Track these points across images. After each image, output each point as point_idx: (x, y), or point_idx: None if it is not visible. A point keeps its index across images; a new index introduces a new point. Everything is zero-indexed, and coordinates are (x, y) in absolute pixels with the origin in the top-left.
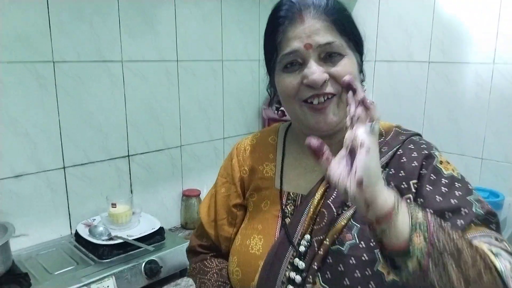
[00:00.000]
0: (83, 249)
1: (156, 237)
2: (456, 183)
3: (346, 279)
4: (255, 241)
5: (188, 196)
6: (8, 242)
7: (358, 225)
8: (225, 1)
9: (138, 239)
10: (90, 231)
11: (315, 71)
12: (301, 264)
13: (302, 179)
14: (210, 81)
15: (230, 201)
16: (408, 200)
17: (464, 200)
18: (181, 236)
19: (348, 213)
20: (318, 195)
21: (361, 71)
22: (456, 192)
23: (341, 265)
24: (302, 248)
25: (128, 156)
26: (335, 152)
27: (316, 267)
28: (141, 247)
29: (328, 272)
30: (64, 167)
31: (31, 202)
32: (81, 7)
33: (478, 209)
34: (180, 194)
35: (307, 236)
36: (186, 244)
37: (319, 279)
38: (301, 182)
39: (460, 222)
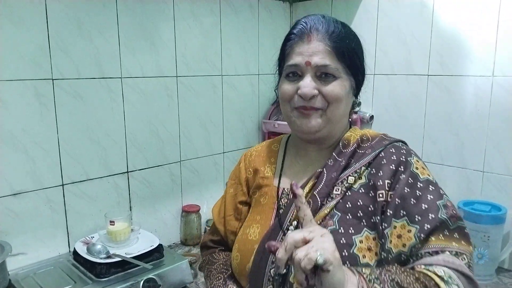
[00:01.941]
0: (81, 268)
1: (155, 255)
2: (430, 186)
3: None
4: (253, 229)
5: (188, 212)
6: (5, 262)
7: (339, 214)
8: (224, 16)
9: (136, 257)
10: (88, 249)
11: (307, 85)
12: None
13: (297, 176)
14: (210, 96)
15: (236, 198)
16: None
17: (433, 205)
18: (181, 252)
19: (331, 203)
20: (307, 188)
21: (356, 95)
22: (428, 196)
23: None
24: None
25: (127, 172)
26: (324, 154)
27: None
28: (139, 265)
29: None
30: (62, 184)
31: (30, 220)
32: (80, 24)
33: (442, 214)
34: (179, 210)
35: (295, 222)
36: (185, 262)
37: None
38: (295, 179)
39: (426, 226)
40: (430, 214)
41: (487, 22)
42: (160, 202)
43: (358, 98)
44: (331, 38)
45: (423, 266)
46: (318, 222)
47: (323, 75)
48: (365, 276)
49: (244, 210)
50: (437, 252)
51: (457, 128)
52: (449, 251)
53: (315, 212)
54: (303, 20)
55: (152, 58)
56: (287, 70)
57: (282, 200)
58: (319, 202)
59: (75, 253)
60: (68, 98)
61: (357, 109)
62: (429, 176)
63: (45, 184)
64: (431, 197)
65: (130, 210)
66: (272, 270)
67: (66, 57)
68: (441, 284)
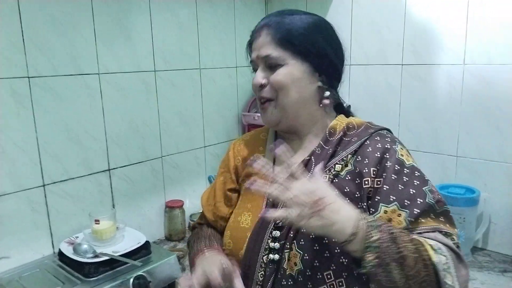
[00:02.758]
0: (68, 268)
1: (142, 252)
2: (416, 172)
3: (316, 245)
4: (245, 217)
5: (172, 207)
6: None
7: None
8: (200, 9)
9: (124, 255)
10: (74, 249)
11: (256, 76)
12: (277, 234)
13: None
14: (189, 90)
15: (226, 186)
16: (368, 220)
17: (420, 191)
18: (166, 248)
19: None
20: None
21: (326, 79)
22: (415, 181)
23: (312, 234)
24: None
25: (109, 170)
26: (309, 142)
27: (292, 235)
28: (128, 263)
29: (302, 240)
30: (44, 185)
31: (11, 223)
32: (54, 19)
33: (430, 199)
34: (163, 206)
35: None
36: (173, 257)
37: (294, 246)
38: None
39: (415, 210)
40: (418, 199)
41: (457, 13)
42: (143, 198)
43: (336, 84)
44: (275, 28)
45: (415, 235)
46: None
47: (271, 65)
48: (366, 221)
49: (234, 197)
50: (427, 232)
51: (431, 115)
52: (439, 231)
53: None
54: (261, 18)
55: (129, 53)
56: (251, 66)
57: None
58: None
59: (61, 254)
60: (46, 96)
61: (327, 93)
62: (414, 162)
63: (26, 185)
64: (417, 182)
65: (114, 207)
66: (265, 257)
67: (42, 54)
68: (431, 251)
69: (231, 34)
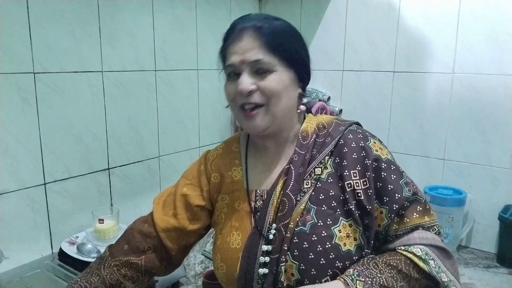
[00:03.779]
0: (71, 269)
1: None
2: (392, 166)
3: (311, 254)
4: (234, 237)
5: None
6: None
7: (315, 207)
8: (200, 10)
9: None
10: (77, 248)
11: (243, 82)
12: (269, 248)
13: (263, 176)
14: (187, 90)
15: (192, 200)
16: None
17: (397, 185)
18: None
19: (305, 197)
20: (279, 187)
21: (303, 87)
22: (392, 175)
23: (305, 243)
24: (270, 236)
25: (108, 169)
26: (284, 148)
27: (286, 248)
28: None
29: (295, 250)
30: (44, 183)
31: (11, 223)
32: (62, 15)
33: (406, 192)
34: None
35: (274, 225)
36: None
37: (289, 257)
38: (263, 179)
39: (394, 206)
40: (396, 194)
41: (448, 24)
42: (139, 198)
43: (306, 90)
44: (261, 33)
45: (402, 248)
46: (297, 219)
47: (259, 70)
48: (349, 279)
49: (202, 215)
50: (412, 229)
51: (420, 121)
52: (421, 227)
53: (291, 210)
54: (234, 21)
55: (132, 51)
56: (227, 71)
57: (256, 202)
58: (294, 199)
59: (61, 254)
60: (50, 92)
61: (304, 100)
62: (388, 155)
63: (27, 184)
64: (394, 176)
65: (112, 206)
66: (260, 273)
67: (48, 50)
68: (420, 263)
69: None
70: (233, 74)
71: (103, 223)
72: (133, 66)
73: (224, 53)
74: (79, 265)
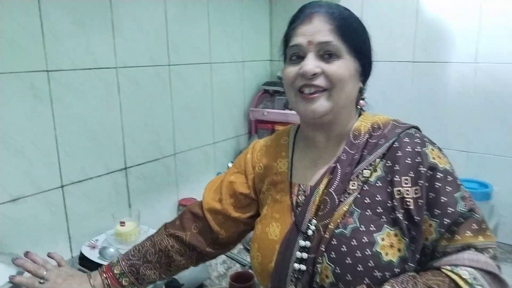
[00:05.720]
0: None
1: None
2: (448, 176)
3: (348, 259)
4: (273, 228)
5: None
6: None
7: (359, 210)
8: (212, 3)
9: None
10: (100, 253)
11: (309, 63)
12: (308, 244)
13: (309, 170)
14: (200, 85)
15: (237, 188)
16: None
17: (452, 198)
18: None
19: (349, 199)
20: (322, 185)
21: (364, 81)
22: (447, 187)
23: (344, 246)
24: (310, 232)
25: (125, 168)
26: (333, 145)
27: (323, 249)
28: None
29: (332, 252)
30: (62, 186)
31: (30, 228)
32: (74, 12)
33: (461, 208)
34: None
35: (314, 221)
36: None
37: (325, 259)
38: (308, 173)
39: (445, 220)
40: (449, 208)
41: (470, 11)
42: (156, 197)
43: (366, 85)
44: (333, 18)
45: (448, 267)
46: (338, 221)
47: (326, 54)
48: None
49: (246, 202)
50: (463, 248)
51: (441, 113)
52: (474, 248)
53: (333, 210)
54: (304, 5)
55: (145, 46)
56: (289, 52)
57: (299, 197)
58: (337, 200)
59: (82, 258)
60: (64, 91)
61: (365, 95)
62: (446, 165)
63: (44, 187)
64: (449, 189)
65: (129, 207)
66: (295, 269)
67: (61, 46)
68: (465, 286)
69: (237, 29)
70: (295, 57)
71: (124, 225)
72: (147, 61)
73: (289, 35)
74: None
